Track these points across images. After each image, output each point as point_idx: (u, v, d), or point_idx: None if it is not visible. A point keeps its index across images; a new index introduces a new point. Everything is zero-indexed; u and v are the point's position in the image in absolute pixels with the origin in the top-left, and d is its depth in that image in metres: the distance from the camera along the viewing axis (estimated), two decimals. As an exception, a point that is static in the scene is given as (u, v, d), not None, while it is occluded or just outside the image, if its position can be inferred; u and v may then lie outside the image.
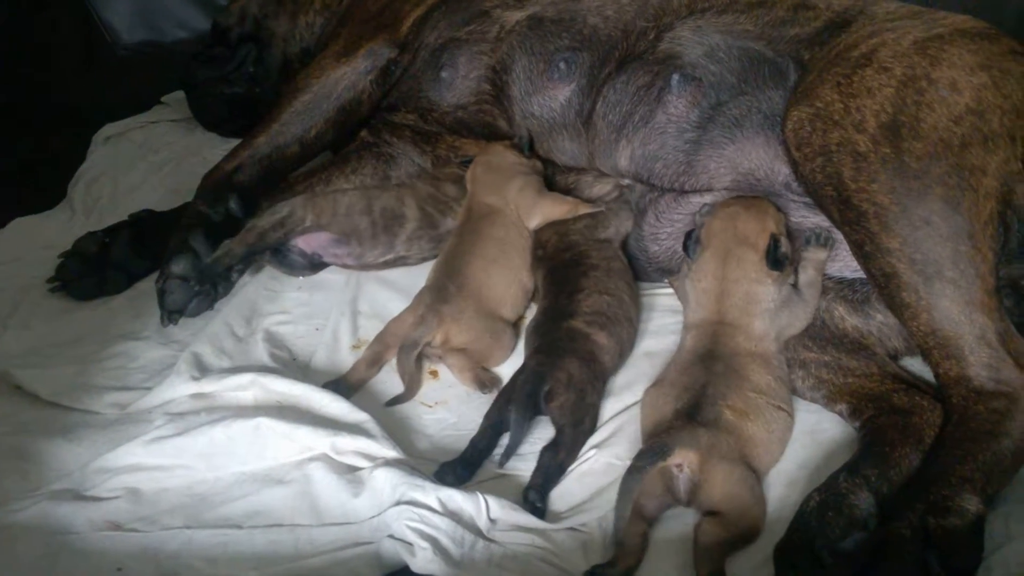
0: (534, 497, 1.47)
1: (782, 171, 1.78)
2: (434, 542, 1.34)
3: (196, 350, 1.83)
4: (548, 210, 1.97)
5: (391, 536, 1.39)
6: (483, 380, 1.74)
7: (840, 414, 1.62)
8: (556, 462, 1.54)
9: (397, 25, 2.27)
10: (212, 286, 2.05)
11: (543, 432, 1.65)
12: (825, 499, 1.34)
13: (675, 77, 1.90)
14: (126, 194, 2.50)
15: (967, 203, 1.51)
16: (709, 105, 1.88)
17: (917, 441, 1.45)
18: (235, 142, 2.72)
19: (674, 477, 1.39)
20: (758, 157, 1.81)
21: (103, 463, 1.58)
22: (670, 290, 2.00)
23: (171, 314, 1.99)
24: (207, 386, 1.71)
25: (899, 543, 1.24)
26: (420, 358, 1.79)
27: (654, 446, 1.37)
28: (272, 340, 1.90)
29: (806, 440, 1.58)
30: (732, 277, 1.62)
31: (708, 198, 1.87)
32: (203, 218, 2.13)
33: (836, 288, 1.75)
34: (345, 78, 2.23)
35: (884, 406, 1.55)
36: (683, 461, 1.37)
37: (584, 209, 1.95)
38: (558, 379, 1.61)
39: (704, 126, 1.87)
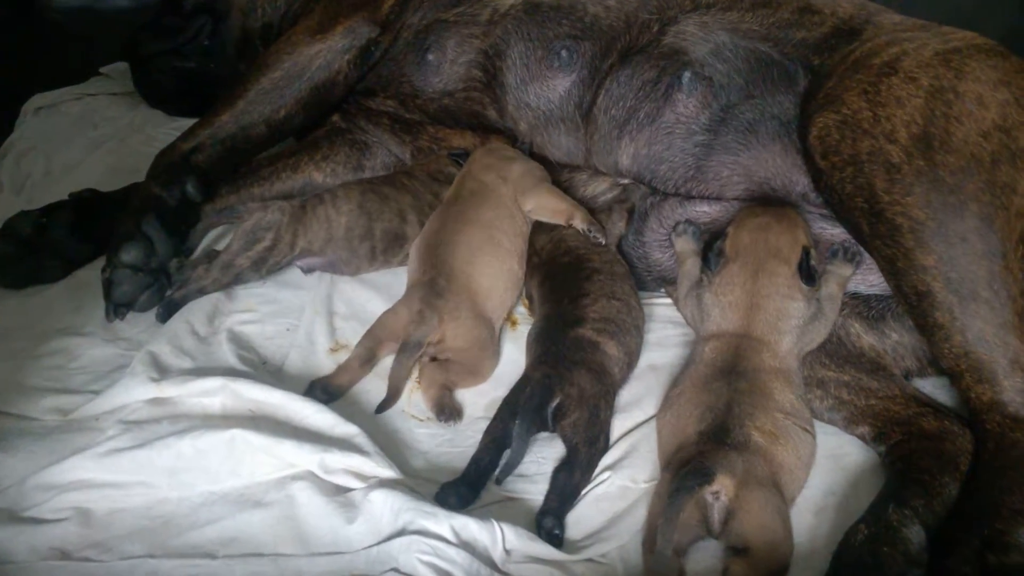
0: (550, 523, 1.34)
1: (800, 181, 1.70)
2: (448, 577, 1.19)
3: (153, 349, 1.62)
4: (545, 200, 1.84)
5: (396, 570, 1.23)
6: (444, 406, 1.55)
7: (862, 437, 1.54)
8: (571, 484, 1.40)
9: (378, 2, 2.09)
10: (165, 277, 1.84)
11: (546, 450, 1.52)
12: (875, 532, 1.25)
13: (686, 75, 1.80)
14: (61, 172, 2.24)
15: (1000, 222, 1.46)
16: (720, 107, 1.79)
17: (954, 469, 1.38)
18: (184, 121, 2.52)
19: (708, 505, 1.27)
20: (775, 165, 1.72)
21: (46, 478, 1.37)
22: (669, 300, 1.89)
23: (118, 308, 1.77)
24: (168, 390, 1.51)
25: (960, 581, 1.17)
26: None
27: (696, 467, 1.25)
28: (238, 341, 1.70)
29: (829, 465, 1.49)
30: (764, 292, 1.52)
31: (716, 207, 1.77)
32: (157, 201, 1.91)
33: (852, 304, 1.68)
34: (320, 56, 2.04)
35: (913, 431, 1.48)
36: (720, 488, 1.26)
37: (580, 222, 1.79)
38: (569, 394, 1.48)
39: (715, 129, 1.77)
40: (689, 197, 1.80)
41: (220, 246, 1.89)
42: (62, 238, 1.90)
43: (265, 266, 1.78)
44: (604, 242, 1.78)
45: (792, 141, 1.71)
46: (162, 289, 1.81)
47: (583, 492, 1.42)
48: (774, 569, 1.24)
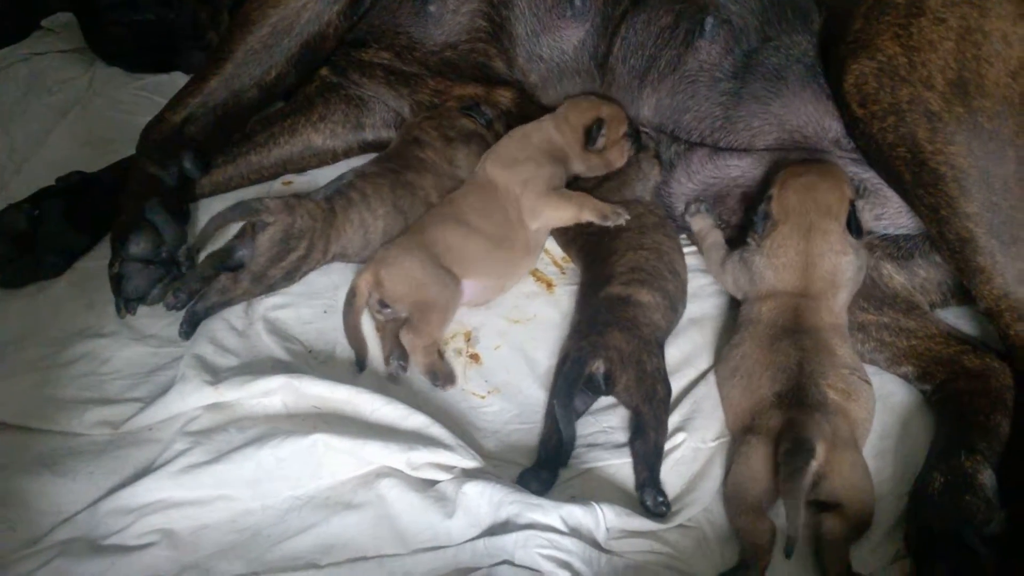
0: (651, 495, 1.37)
1: (833, 127, 1.70)
2: (568, 567, 1.22)
3: (197, 352, 1.54)
4: (548, 217, 1.74)
5: (509, 563, 1.25)
6: (436, 370, 1.56)
7: (904, 376, 1.62)
8: (650, 447, 1.43)
9: None
10: (176, 266, 1.74)
11: (610, 418, 1.55)
12: (953, 480, 1.33)
13: (709, 20, 1.76)
14: (27, 147, 2.06)
15: (1034, 163, 1.51)
16: (742, 52, 1.76)
17: (1003, 406, 1.47)
18: (147, 79, 2.35)
19: None
20: (807, 113, 1.72)
21: (121, 501, 1.32)
22: (693, 248, 1.91)
23: (128, 303, 1.67)
24: (227, 393, 1.45)
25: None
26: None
27: (798, 445, 1.29)
28: (277, 331, 1.63)
29: (879, 406, 1.53)
30: (817, 251, 1.54)
31: (746, 160, 1.77)
32: (155, 183, 1.79)
33: (882, 246, 1.73)
34: (308, 9, 1.90)
35: (957, 369, 1.56)
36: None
37: (589, 215, 1.69)
38: (610, 359, 1.49)
39: (741, 77, 1.75)
40: (717, 149, 1.79)
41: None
42: (58, 229, 1.76)
43: (298, 274, 1.68)
44: (624, 221, 1.68)
45: (821, 87, 1.71)
46: (173, 280, 1.72)
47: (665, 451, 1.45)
48: (864, 520, 1.32)
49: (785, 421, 1.35)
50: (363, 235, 1.71)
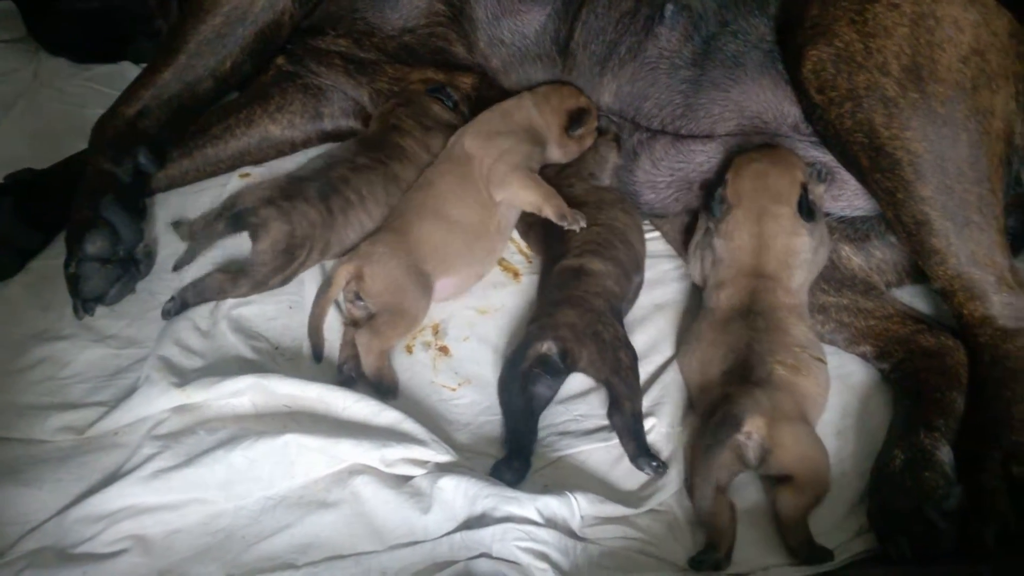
0: (645, 463, 1.41)
1: (791, 112, 1.73)
2: (545, 558, 1.24)
3: (162, 353, 1.52)
4: (514, 193, 1.70)
5: (486, 555, 1.26)
6: (383, 378, 1.53)
7: (863, 355, 1.66)
8: (629, 417, 1.44)
9: None
10: (135, 264, 1.71)
11: (580, 406, 1.56)
12: (913, 457, 1.37)
13: (669, 7, 1.76)
14: (-29, 143, 1.99)
15: (985, 147, 1.56)
16: (701, 39, 1.77)
17: (957, 383, 1.52)
18: (96, 69, 2.28)
19: (742, 445, 1.36)
20: (766, 99, 1.74)
21: (90, 509, 1.30)
22: (658, 233, 1.92)
23: (86, 303, 1.64)
24: (195, 395, 1.43)
25: (994, 494, 1.31)
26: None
27: (724, 417, 1.32)
28: (242, 328, 1.61)
29: (838, 385, 1.58)
30: (770, 233, 1.58)
31: (711, 145, 1.78)
32: (110, 180, 1.74)
33: (840, 228, 1.76)
34: None
35: (914, 348, 1.60)
36: (751, 428, 1.34)
37: (549, 212, 1.65)
38: (562, 337, 1.49)
39: (701, 64, 1.76)
40: (679, 136, 1.80)
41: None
42: (10, 229, 1.72)
43: (295, 277, 1.67)
44: (580, 228, 1.64)
45: (780, 72, 1.73)
46: (133, 278, 1.69)
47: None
48: (819, 491, 1.36)
49: (721, 396, 1.38)
50: (359, 236, 1.69)
